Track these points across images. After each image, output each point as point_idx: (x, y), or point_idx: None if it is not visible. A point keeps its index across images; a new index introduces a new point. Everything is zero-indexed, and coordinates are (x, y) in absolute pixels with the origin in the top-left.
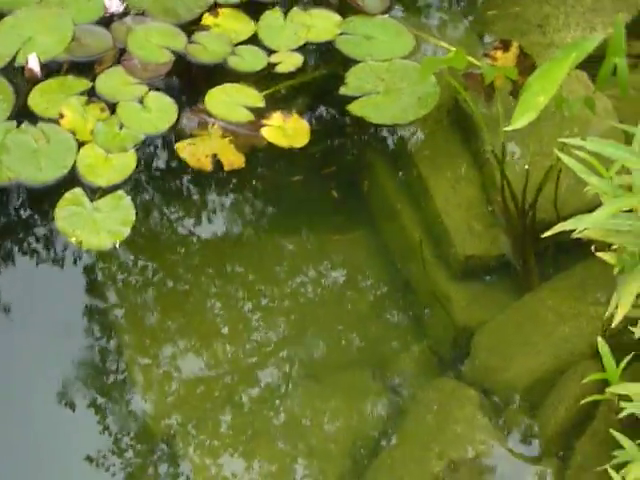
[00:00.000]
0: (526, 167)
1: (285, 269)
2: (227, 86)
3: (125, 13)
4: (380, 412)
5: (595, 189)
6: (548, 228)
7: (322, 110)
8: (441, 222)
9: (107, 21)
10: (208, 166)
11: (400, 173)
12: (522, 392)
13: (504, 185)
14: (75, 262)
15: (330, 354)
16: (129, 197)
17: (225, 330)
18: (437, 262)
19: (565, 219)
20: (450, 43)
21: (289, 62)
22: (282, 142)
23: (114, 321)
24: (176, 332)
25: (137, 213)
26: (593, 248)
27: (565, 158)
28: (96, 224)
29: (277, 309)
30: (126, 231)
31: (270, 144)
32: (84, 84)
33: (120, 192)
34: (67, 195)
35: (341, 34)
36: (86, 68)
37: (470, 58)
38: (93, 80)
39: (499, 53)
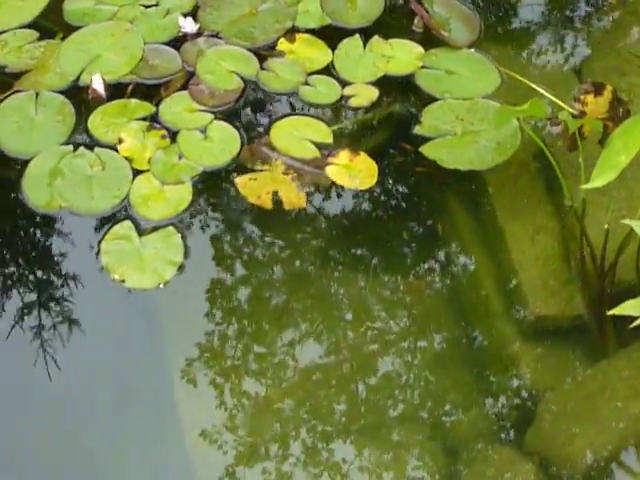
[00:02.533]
0: (606, 227)
1: (346, 314)
2: (295, 119)
3: (199, 34)
4: (433, 476)
5: None
6: (629, 291)
7: (394, 150)
8: (515, 275)
9: (179, 42)
10: (268, 204)
11: (477, 219)
12: (582, 470)
13: (583, 242)
14: (117, 301)
15: (385, 407)
16: (179, 234)
17: (278, 378)
18: (507, 318)
19: None
20: (542, 82)
21: (364, 96)
22: (347, 183)
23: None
24: (228, 379)
25: (186, 252)
26: None
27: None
28: (142, 262)
29: (335, 356)
30: (172, 271)
31: (334, 184)
32: (147, 109)
33: (170, 228)
34: (116, 228)
35: (422, 67)
36: (152, 91)
37: (558, 101)
38: (157, 105)
39: (590, 97)
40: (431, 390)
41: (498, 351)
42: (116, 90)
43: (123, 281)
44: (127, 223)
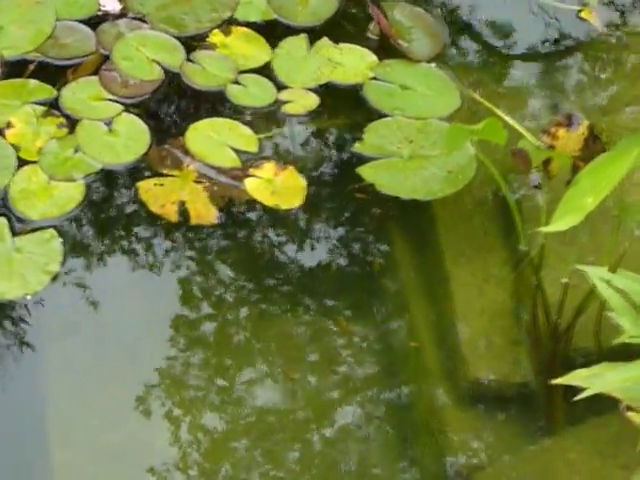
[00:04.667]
0: (565, 281)
1: (251, 364)
2: (217, 120)
3: (121, 15)
4: None
5: (628, 335)
6: (585, 358)
7: (327, 168)
8: (456, 329)
9: (98, 21)
10: (172, 215)
11: (420, 259)
12: None
13: (537, 297)
14: None
15: (292, 473)
16: (60, 240)
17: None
18: (441, 378)
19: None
20: (509, 110)
21: (301, 103)
22: (268, 200)
23: None
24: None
25: (65, 260)
26: (621, 407)
27: (601, 285)
28: (11, 266)
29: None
30: (45, 281)
31: (253, 199)
32: (48, 92)
33: (51, 231)
34: None
35: (373, 78)
36: (57, 73)
37: (523, 131)
38: (60, 89)
39: (562, 131)
40: (343, 458)
41: (425, 416)
42: (15, 68)
43: None
44: (0, 220)
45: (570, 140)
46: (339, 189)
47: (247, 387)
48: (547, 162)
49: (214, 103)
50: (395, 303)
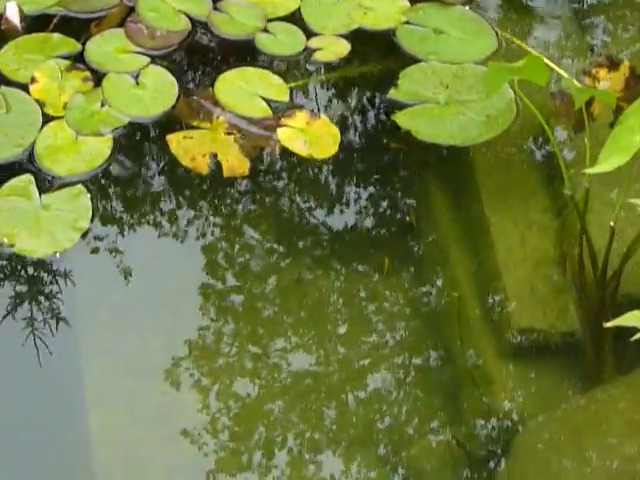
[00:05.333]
0: (612, 225)
1: (287, 318)
2: (246, 70)
3: None
4: None
5: None
6: (634, 305)
7: (361, 116)
8: (499, 278)
9: None
10: (203, 168)
11: (459, 208)
12: None
13: (583, 243)
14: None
15: (331, 428)
16: (89, 195)
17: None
18: (484, 330)
19: None
20: (547, 53)
21: (332, 50)
22: (301, 150)
23: None
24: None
25: (94, 217)
26: None
27: None
28: (39, 224)
29: (273, 361)
30: (75, 238)
31: (286, 149)
32: (71, 46)
33: (79, 187)
34: (12, 182)
35: (405, 23)
36: (81, 27)
37: (564, 73)
38: (85, 43)
39: (603, 72)
40: (388, 409)
41: (470, 370)
42: (37, 22)
43: (12, 245)
44: (27, 177)
45: (612, 81)
46: (374, 137)
47: (287, 343)
48: (588, 105)
49: (243, 53)
50: (434, 254)
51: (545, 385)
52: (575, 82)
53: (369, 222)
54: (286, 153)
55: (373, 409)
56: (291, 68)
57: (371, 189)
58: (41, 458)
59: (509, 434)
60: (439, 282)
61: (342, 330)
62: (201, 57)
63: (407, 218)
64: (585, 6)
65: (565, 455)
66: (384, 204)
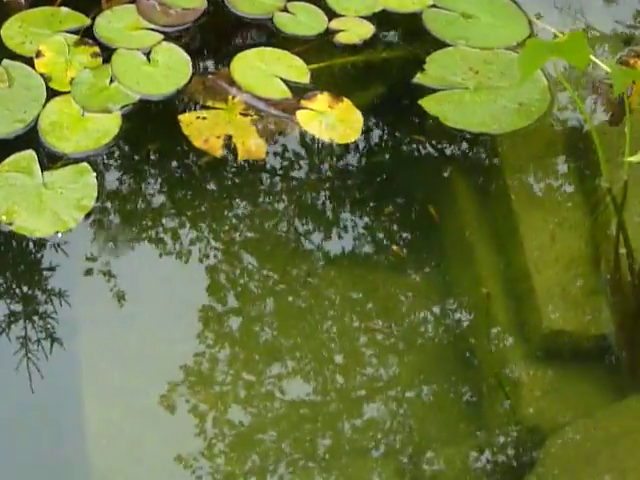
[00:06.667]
0: None
1: (304, 316)
2: (265, 50)
3: None
4: None
5: None
6: None
7: (386, 101)
8: (528, 279)
9: None
10: (217, 150)
11: (485, 204)
12: None
13: (619, 242)
14: None
15: (345, 436)
16: (94, 173)
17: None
18: (513, 332)
19: None
20: None
21: (355, 32)
22: (322, 133)
23: None
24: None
25: (100, 197)
26: None
27: None
28: (41, 202)
29: (290, 363)
30: (79, 218)
31: (305, 133)
32: (80, 20)
33: (84, 164)
34: (14, 158)
35: (432, 6)
36: (90, 2)
37: (596, 60)
38: (95, 18)
39: None
40: (410, 416)
41: (497, 374)
42: None
43: (10, 223)
44: (29, 153)
45: None
46: (398, 123)
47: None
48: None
49: (261, 32)
50: (458, 251)
51: (576, 391)
52: (616, 65)
53: (391, 213)
54: (305, 136)
55: (393, 413)
56: (312, 49)
57: (395, 176)
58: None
59: (538, 443)
60: (464, 280)
61: (357, 324)
62: (217, 36)
63: (431, 211)
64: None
65: (598, 466)
66: (407, 194)
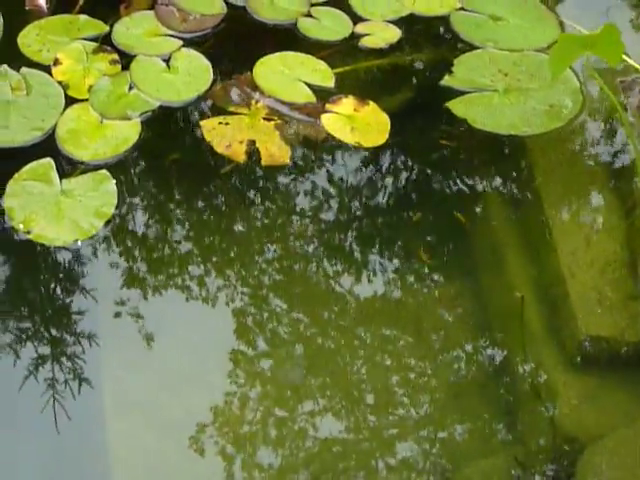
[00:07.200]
0: None
1: (332, 330)
2: (288, 54)
3: None
4: None
5: None
6: None
7: (413, 104)
8: (562, 284)
9: None
10: (240, 156)
11: (516, 208)
12: None
13: None
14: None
15: (380, 450)
16: (114, 181)
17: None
18: (548, 339)
19: None
20: None
21: (381, 36)
22: (348, 137)
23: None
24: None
25: (120, 204)
26: None
27: None
28: (60, 210)
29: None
30: (98, 226)
31: (331, 137)
32: (99, 28)
33: (104, 172)
34: (32, 166)
35: (460, 9)
36: (108, 9)
37: (630, 61)
38: (113, 25)
39: None
40: (442, 428)
41: (532, 383)
42: (63, 3)
43: (28, 232)
44: (47, 161)
45: None
46: (426, 126)
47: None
48: None
49: (283, 38)
50: (490, 257)
51: (614, 400)
52: None
53: (419, 218)
54: (331, 141)
55: (424, 421)
56: (337, 54)
57: (423, 181)
58: None
59: (574, 454)
60: (496, 287)
61: (387, 332)
62: (237, 42)
63: (459, 216)
64: None
65: (638, 477)
66: (436, 199)
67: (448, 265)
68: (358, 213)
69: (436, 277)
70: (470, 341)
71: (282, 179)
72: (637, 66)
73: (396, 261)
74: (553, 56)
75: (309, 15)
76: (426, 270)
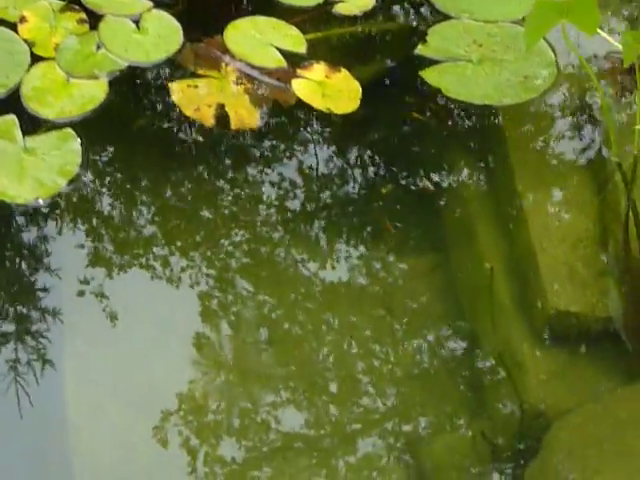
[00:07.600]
0: None
1: (300, 302)
2: (260, 19)
3: None
4: None
5: None
6: None
7: (386, 72)
8: (533, 258)
9: None
10: (209, 119)
11: (487, 180)
12: None
13: (629, 220)
14: None
15: (349, 418)
16: (79, 139)
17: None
18: (517, 314)
19: None
20: None
21: (355, 3)
22: (318, 103)
23: None
24: None
25: (84, 163)
26: None
27: None
28: (22, 167)
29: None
30: (61, 184)
31: (301, 103)
32: None
33: (68, 130)
34: None
35: None
36: None
37: (603, 34)
38: None
39: None
40: (407, 400)
41: (500, 357)
42: None
43: None
44: (10, 118)
45: None
46: (398, 95)
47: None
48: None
49: (256, 2)
50: (460, 229)
51: (583, 375)
52: (630, 32)
53: (389, 189)
54: (301, 106)
55: (389, 395)
56: (310, 20)
57: (394, 150)
58: None
59: (542, 428)
60: (466, 259)
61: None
62: (209, 5)
63: (430, 188)
64: None
65: (605, 451)
66: (406, 169)
67: (418, 238)
68: (326, 181)
69: (406, 250)
70: (438, 314)
71: (251, 143)
72: (611, 40)
73: (365, 233)
74: (528, 23)
75: None
76: (394, 242)
